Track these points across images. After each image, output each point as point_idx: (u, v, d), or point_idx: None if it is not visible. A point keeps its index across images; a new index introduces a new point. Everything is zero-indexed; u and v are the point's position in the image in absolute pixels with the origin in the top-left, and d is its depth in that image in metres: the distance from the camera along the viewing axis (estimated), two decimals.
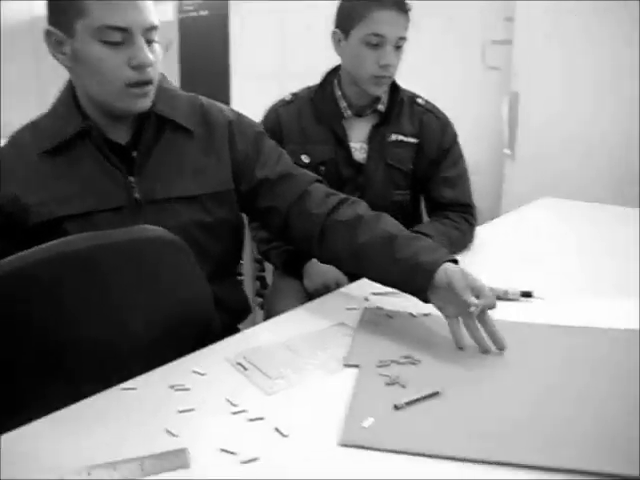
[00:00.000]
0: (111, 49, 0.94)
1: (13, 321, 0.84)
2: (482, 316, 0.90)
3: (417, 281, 0.95)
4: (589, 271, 1.32)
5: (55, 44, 0.97)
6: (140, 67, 0.95)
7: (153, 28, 0.97)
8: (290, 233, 1.13)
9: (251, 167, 1.12)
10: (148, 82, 0.98)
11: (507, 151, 2.65)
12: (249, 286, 2.51)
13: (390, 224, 1.05)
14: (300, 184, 1.13)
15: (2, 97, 4.18)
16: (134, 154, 1.04)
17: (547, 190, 2.22)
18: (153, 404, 0.77)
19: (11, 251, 0.84)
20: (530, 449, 0.67)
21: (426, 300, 0.96)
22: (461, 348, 0.91)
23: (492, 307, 0.90)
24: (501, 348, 0.90)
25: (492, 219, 1.82)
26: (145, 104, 1.00)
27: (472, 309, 0.88)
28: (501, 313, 1.04)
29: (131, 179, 1.03)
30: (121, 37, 0.94)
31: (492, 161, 2.71)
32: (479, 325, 0.91)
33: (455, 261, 0.96)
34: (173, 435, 0.70)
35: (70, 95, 1.04)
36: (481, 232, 1.59)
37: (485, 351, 0.90)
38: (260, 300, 2.53)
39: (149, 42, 0.98)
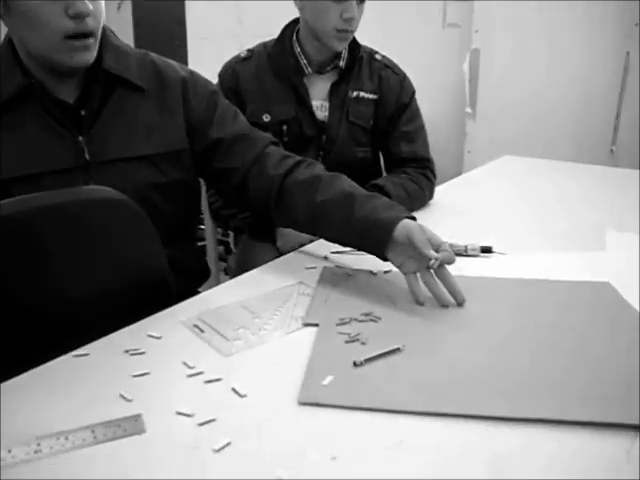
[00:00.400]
0: None
1: None
2: (441, 271, 0.90)
3: (376, 237, 0.94)
4: (549, 227, 1.33)
5: None
6: (78, 16, 0.89)
7: None
8: (247, 196, 1.10)
9: (205, 127, 1.09)
10: (88, 34, 0.92)
11: (468, 110, 2.64)
12: (211, 251, 2.49)
13: (348, 184, 1.03)
14: (256, 146, 1.10)
15: None
16: (83, 113, 0.99)
17: (508, 148, 2.23)
18: (106, 370, 0.75)
19: None
20: (491, 401, 0.67)
21: (385, 257, 0.95)
22: (420, 304, 0.91)
23: (451, 262, 0.90)
24: (460, 302, 0.90)
25: (453, 178, 1.82)
26: (86, 58, 0.94)
27: (432, 262, 0.88)
28: (461, 269, 1.04)
29: (80, 139, 0.98)
30: None
31: (453, 120, 2.71)
32: (438, 280, 0.90)
33: (413, 218, 0.96)
34: (127, 400, 0.68)
35: (9, 52, 0.98)
36: (442, 190, 1.60)
37: (444, 305, 0.90)
38: (224, 265, 2.50)
39: None
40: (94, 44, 0.95)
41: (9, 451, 0.59)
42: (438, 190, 1.53)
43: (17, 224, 0.82)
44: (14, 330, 0.83)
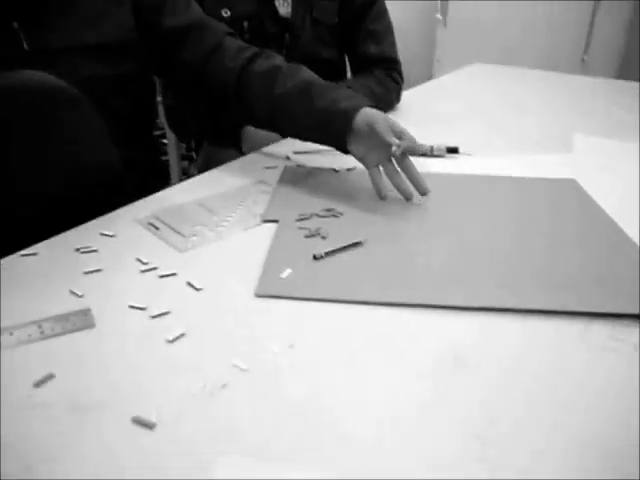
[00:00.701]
0: None
1: None
2: (403, 161, 0.87)
3: (335, 126, 0.89)
4: (517, 131, 1.30)
5: None
6: None
7: None
8: (203, 90, 1.04)
9: (157, 14, 1.01)
10: None
11: (439, 16, 2.54)
12: (175, 167, 2.42)
13: (308, 74, 0.98)
14: (212, 36, 1.03)
15: None
16: None
17: (479, 57, 2.17)
18: (56, 268, 0.71)
19: None
20: (451, 291, 0.66)
21: (346, 150, 0.91)
22: (382, 198, 0.89)
23: (415, 151, 0.88)
24: (423, 193, 0.88)
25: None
26: None
27: (394, 149, 0.84)
28: (427, 168, 1.02)
29: (15, 25, 0.90)
30: None
31: (423, 26, 2.61)
32: (401, 172, 0.88)
33: (377, 108, 0.91)
34: (78, 296, 0.65)
35: None
36: (409, 94, 1.55)
37: (408, 198, 0.88)
38: (186, 164, 2.42)
39: None
40: None
41: None
42: (406, 94, 1.49)
43: None
44: None
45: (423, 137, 1.15)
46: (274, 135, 1.32)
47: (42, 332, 0.59)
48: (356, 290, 0.66)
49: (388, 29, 1.44)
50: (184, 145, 2.76)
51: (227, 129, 1.39)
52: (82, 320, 0.61)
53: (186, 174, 2.52)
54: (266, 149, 1.13)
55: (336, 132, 0.90)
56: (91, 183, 0.88)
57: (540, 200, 0.92)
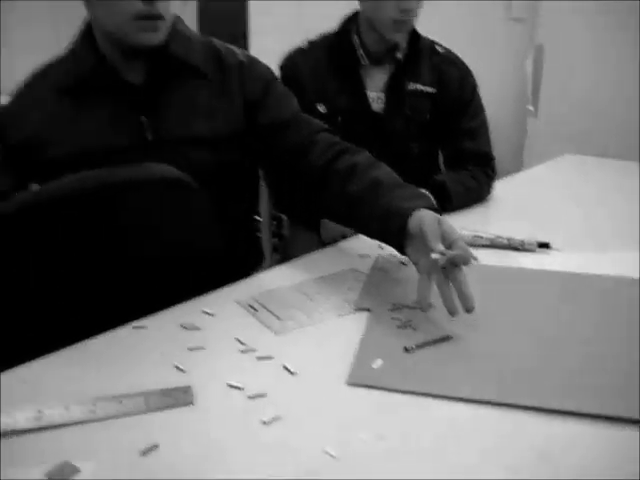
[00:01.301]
0: None
1: (26, 254, 0.84)
2: (452, 271, 0.78)
3: (391, 227, 0.88)
4: (609, 225, 1.29)
5: None
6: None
7: None
8: (293, 181, 1.12)
9: (260, 109, 1.11)
10: (157, 16, 0.95)
11: (530, 107, 2.58)
12: (266, 243, 2.52)
13: (383, 172, 0.99)
14: (306, 131, 1.11)
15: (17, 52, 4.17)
16: (147, 94, 1.03)
17: (570, 147, 2.17)
18: (163, 342, 0.77)
19: (22, 187, 0.84)
20: (536, 393, 0.66)
21: (402, 250, 0.89)
22: (423, 309, 0.80)
23: (465, 262, 0.78)
24: (469, 309, 0.77)
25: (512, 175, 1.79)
26: (154, 38, 0.98)
27: (434, 256, 0.77)
28: (519, 263, 1.02)
29: (143, 118, 1.02)
30: None
31: (514, 117, 2.65)
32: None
33: (436, 210, 0.88)
34: (182, 371, 0.70)
35: (86, 35, 1.04)
36: (501, 186, 1.56)
37: (451, 312, 0.79)
38: (278, 257, 2.53)
39: None
40: (162, 26, 0.98)
41: (66, 408, 0.62)
42: (497, 186, 1.50)
43: (87, 197, 0.86)
44: (81, 300, 0.87)
45: (514, 230, 1.16)
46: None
47: (147, 404, 0.64)
48: (446, 385, 0.67)
49: (484, 125, 1.49)
50: (275, 222, 2.89)
51: (311, 216, 1.46)
52: (183, 397, 0.66)
53: (276, 250, 2.62)
54: (360, 237, 1.18)
55: (392, 232, 0.89)
56: (197, 262, 0.96)
57: (631, 301, 0.90)
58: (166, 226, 0.93)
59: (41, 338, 0.80)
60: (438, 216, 0.84)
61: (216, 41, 1.13)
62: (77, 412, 0.62)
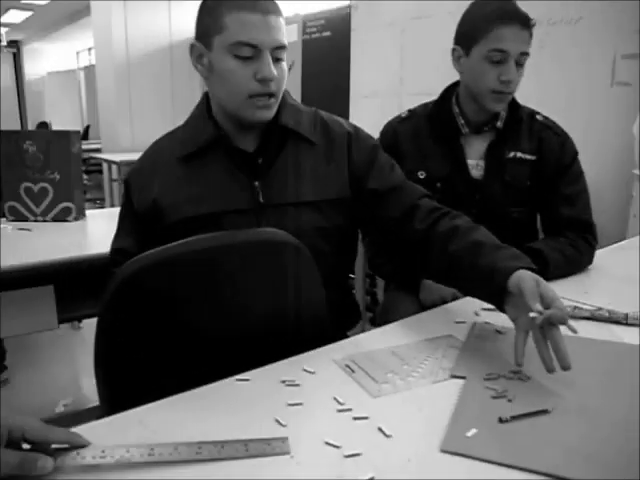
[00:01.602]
0: (241, 63, 1.03)
1: (140, 312, 0.93)
2: (551, 330, 0.83)
3: (491, 285, 0.93)
4: None
5: (197, 56, 1.09)
6: (264, 80, 1.03)
7: (281, 47, 1.05)
8: (395, 246, 1.16)
9: (365, 177, 1.17)
10: (270, 94, 1.05)
11: (637, 172, 2.49)
12: (360, 301, 2.55)
13: (483, 234, 1.05)
14: (409, 198, 1.16)
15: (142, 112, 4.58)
16: (259, 161, 1.12)
17: None
18: (265, 395, 0.82)
19: (148, 248, 0.94)
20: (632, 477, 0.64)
21: (502, 309, 0.94)
22: (517, 365, 0.86)
23: (562, 322, 0.83)
24: (565, 367, 0.81)
25: (617, 242, 1.73)
26: (266, 115, 1.08)
27: (532, 315, 0.82)
28: (621, 338, 1.00)
29: (256, 184, 1.11)
30: (251, 52, 1.02)
31: (620, 182, 2.56)
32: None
33: (535, 270, 0.92)
34: (281, 425, 0.74)
35: (205, 107, 1.15)
36: (603, 254, 1.53)
37: (548, 370, 0.83)
38: (370, 315, 2.56)
39: (277, 60, 1.05)
40: (275, 103, 1.08)
41: (175, 448, 0.67)
42: (599, 254, 1.47)
43: (206, 258, 0.94)
44: (190, 351, 0.94)
45: (616, 302, 1.13)
46: (449, 290, 1.40)
47: (247, 450, 0.69)
48: (542, 461, 0.67)
49: (583, 192, 1.47)
50: (368, 280, 2.93)
51: (410, 278, 1.49)
52: (280, 446, 0.70)
53: (369, 310, 2.65)
54: (455, 303, 1.19)
55: (492, 291, 0.94)
56: (301, 321, 1.01)
57: None
58: (277, 283, 1.00)
59: (155, 385, 0.88)
60: (536, 276, 0.89)
61: (323, 112, 1.22)
62: (184, 452, 0.67)
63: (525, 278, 0.88)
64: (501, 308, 0.94)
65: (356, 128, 1.22)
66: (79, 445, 0.66)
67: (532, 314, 0.82)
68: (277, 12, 1.04)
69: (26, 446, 0.64)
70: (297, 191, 1.12)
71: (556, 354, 0.82)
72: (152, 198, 1.11)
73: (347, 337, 1.21)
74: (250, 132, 1.13)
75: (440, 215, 1.12)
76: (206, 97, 1.16)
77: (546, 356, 0.83)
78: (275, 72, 1.04)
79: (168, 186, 1.11)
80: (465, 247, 1.02)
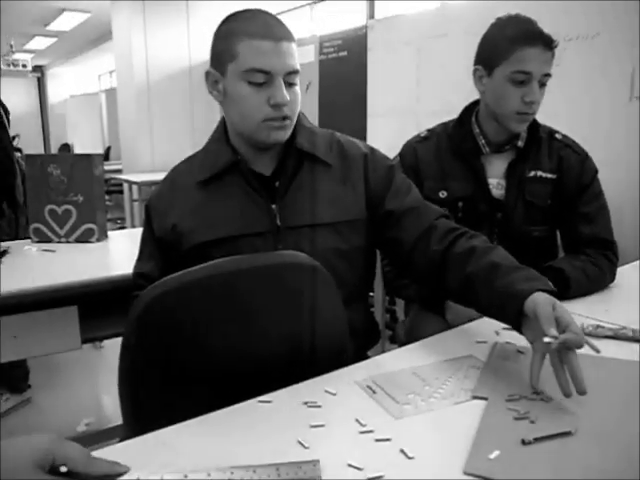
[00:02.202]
0: (254, 88, 1.05)
1: (163, 334, 0.94)
2: (566, 354, 0.83)
3: (508, 309, 0.93)
4: None
5: (212, 83, 1.12)
6: (277, 106, 1.05)
7: (294, 72, 1.07)
8: (412, 267, 1.17)
9: (382, 198, 1.18)
10: (284, 117, 1.07)
11: None
12: (379, 318, 2.55)
13: (500, 255, 1.05)
14: (426, 219, 1.16)
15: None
16: (277, 184, 1.13)
17: None
18: (287, 417, 0.83)
19: (169, 271, 0.95)
20: None
21: (520, 331, 0.94)
22: (533, 387, 0.86)
23: (578, 346, 0.83)
24: (581, 392, 0.81)
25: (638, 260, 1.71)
26: (281, 136, 1.10)
27: (546, 339, 0.82)
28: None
29: (273, 207, 1.12)
30: (264, 78, 1.04)
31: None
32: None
33: (553, 293, 0.92)
34: (304, 447, 0.75)
35: (222, 132, 1.17)
36: (625, 271, 1.51)
37: (565, 394, 0.82)
38: (390, 333, 2.55)
39: (290, 84, 1.07)
40: (289, 125, 1.10)
41: (208, 474, 0.68)
42: (620, 271, 1.46)
43: (227, 281, 0.96)
44: (211, 374, 0.95)
45: (638, 320, 1.12)
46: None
47: (279, 475, 0.69)
48: None
49: (602, 210, 1.46)
50: (388, 298, 2.92)
51: (435, 298, 1.48)
52: (312, 470, 0.70)
53: (389, 328, 2.64)
54: (475, 322, 1.19)
55: (509, 314, 0.94)
56: (322, 342, 1.01)
57: None
58: (297, 305, 1.00)
59: (178, 406, 0.89)
60: (553, 299, 0.89)
61: (339, 134, 1.24)
62: (218, 478, 0.68)
63: (540, 302, 0.88)
64: (519, 330, 0.95)
65: (372, 149, 1.23)
66: (119, 474, 0.67)
67: (546, 339, 0.83)
68: (289, 38, 1.06)
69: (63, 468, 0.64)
70: (314, 213, 1.13)
71: (572, 379, 0.82)
72: (172, 223, 1.13)
73: (367, 357, 1.22)
74: (266, 155, 1.15)
75: (457, 235, 1.12)
76: (223, 122, 1.18)
77: (563, 380, 0.83)
78: (288, 97, 1.06)
79: (187, 211, 1.13)
80: (482, 268, 1.02)
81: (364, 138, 3.61)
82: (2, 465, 0.60)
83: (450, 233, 1.13)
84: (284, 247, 1.09)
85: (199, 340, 0.95)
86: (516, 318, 0.92)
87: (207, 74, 1.12)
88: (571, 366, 0.82)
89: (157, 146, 5.37)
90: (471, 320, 1.37)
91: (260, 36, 1.03)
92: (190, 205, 1.14)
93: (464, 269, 1.05)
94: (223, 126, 1.18)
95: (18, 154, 2.85)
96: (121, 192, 6.18)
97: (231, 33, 1.06)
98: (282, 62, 1.04)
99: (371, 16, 3.97)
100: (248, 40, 1.03)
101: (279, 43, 1.04)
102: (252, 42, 1.03)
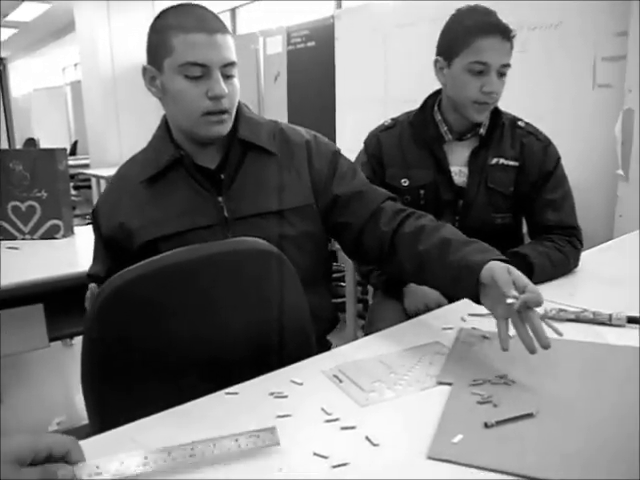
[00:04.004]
0: (192, 82, 1.05)
1: (125, 327, 0.94)
2: (527, 313, 0.87)
3: (464, 281, 0.95)
4: None
5: (149, 79, 1.11)
6: (216, 98, 1.05)
7: (230, 64, 1.07)
8: (362, 250, 1.18)
9: (328, 183, 1.19)
10: (223, 111, 1.07)
11: (620, 172, 2.52)
12: (351, 309, 2.57)
13: (449, 231, 1.07)
14: (373, 201, 1.17)
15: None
16: (222, 176, 1.14)
17: None
18: (254, 408, 0.83)
19: (119, 271, 0.95)
20: (619, 476, 0.65)
21: (478, 301, 0.96)
22: (503, 349, 0.89)
23: (537, 304, 0.86)
24: (545, 346, 0.85)
25: (603, 242, 1.75)
26: (221, 130, 1.10)
27: (509, 301, 0.86)
28: (605, 339, 1.01)
29: (220, 199, 1.12)
30: (200, 72, 1.04)
31: (604, 183, 2.59)
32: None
33: (505, 261, 0.95)
34: None
35: (164, 129, 1.17)
36: (589, 255, 1.54)
37: (530, 351, 0.86)
38: (363, 322, 2.57)
39: (227, 76, 1.07)
40: (228, 119, 1.10)
41: (169, 453, 0.68)
42: (585, 255, 1.48)
43: (186, 270, 0.95)
44: (176, 365, 0.95)
45: (602, 303, 1.14)
46: (435, 294, 1.41)
47: (239, 445, 0.70)
48: (526, 464, 0.68)
49: (567, 196, 1.48)
50: (360, 288, 2.94)
51: (391, 284, 1.50)
52: (270, 437, 0.72)
53: (361, 317, 2.66)
54: (441, 310, 1.20)
55: (466, 286, 0.96)
56: (284, 329, 1.02)
57: None
58: (256, 294, 1.01)
59: (143, 400, 0.88)
60: (507, 265, 0.92)
61: (281, 122, 1.24)
62: (179, 456, 0.68)
63: (496, 269, 0.91)
64: (477, 301, 0.96)
65: (315, 136, 1.24)
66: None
67: (509, 300, 0.86)
68: (223, 30, 1.06)
69: None
70: (260, 202, 1.14)
71: (535, 335, 0.86)
72: (119, 222, 1.13)
73: (327, 341, 1.23)
74: (210, 149, 1.14)
75: (405, 216, 1.14)
76: (166, 118, 1.17)
77: (526, 338, 0.87)
78: (226, 89, 1.06)
79: (134, 210, 1.13)
80: (434, 245, 1.04)
81: (333, 127, 3.60)
82: None
83: (398, 214, 1.14)
84: (233, 237, 1.09)
85: (161, 331, 0.94)
86: (474, 288, 0.94)
87: (144, 70, 1.11)
88: (532, 323, 0.86)
89: (125, 139, 5.30)
90: (427, 307, 1.40)
91: (195, 29, 1.03)
92: (136, 203, 1.13)
93: (416, 248, 1.06)
94: (165, 123, 1.18)
95: None
96: (89, 187, 6.08)
97: (166, 28, 1.05)
98: (218, 54, 1.04)
99: (338, 6, 3.96)
100: (183, 34, 1.03)
101: (214, 36, 1.04)
102: (187, 36, 1.03)
